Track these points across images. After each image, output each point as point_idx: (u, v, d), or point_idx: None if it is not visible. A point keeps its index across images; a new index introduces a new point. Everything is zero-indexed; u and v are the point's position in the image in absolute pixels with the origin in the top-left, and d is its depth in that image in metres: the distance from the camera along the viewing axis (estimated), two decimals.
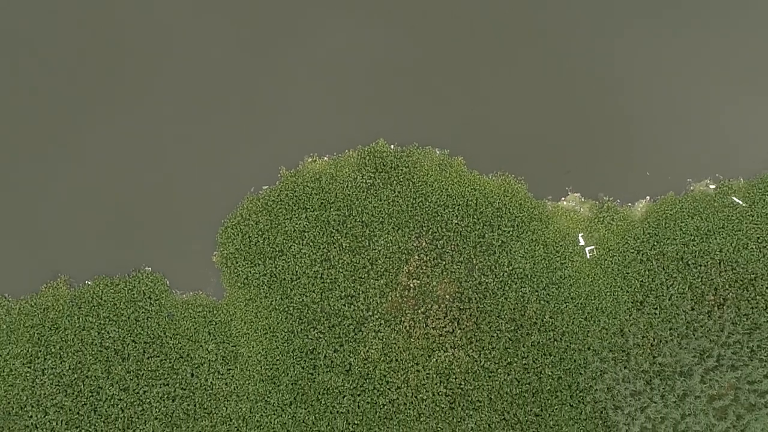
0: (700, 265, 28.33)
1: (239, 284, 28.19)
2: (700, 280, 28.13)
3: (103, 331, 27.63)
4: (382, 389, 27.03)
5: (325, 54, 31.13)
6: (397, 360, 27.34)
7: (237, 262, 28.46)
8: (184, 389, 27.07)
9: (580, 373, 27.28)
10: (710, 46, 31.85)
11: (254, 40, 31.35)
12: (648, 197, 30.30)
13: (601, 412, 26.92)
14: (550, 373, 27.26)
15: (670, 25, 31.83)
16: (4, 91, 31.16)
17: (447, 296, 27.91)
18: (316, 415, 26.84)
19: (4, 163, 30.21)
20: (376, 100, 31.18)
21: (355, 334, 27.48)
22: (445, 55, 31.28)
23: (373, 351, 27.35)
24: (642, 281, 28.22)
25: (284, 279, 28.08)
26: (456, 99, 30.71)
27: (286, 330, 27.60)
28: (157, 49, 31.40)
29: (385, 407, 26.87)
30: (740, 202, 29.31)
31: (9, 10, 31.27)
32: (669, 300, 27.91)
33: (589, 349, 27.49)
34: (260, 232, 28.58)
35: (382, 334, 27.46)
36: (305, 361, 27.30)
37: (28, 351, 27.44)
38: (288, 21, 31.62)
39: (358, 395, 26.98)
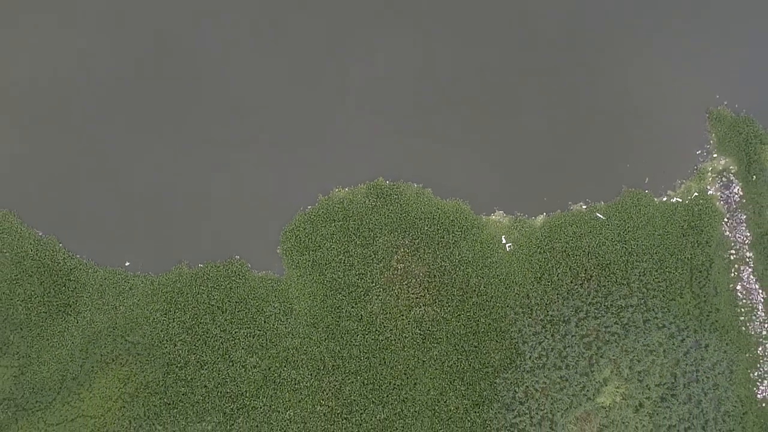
0: (576, 255, 37.06)
1: (293, 266, 36.84)
2: (575, 264, 36.91)
3: (209, 295, 36.72)
4: (380, 331, 35.98)
5: (345, 122, 38.60)
6: (390, 313, 36.05)
7: (292, 253, 36.99)
8: (259, 330, 36.00)
9: (502, 321, 36.05)
10: (576, 103, 37.34)
11: (305, 108, 38.40)
12: (545, 213, 37.23)
13: (515, 345, 35.85)
14: (483, 321, 36.15)
15: (562, 85, 37.61)
16: (143, 118, 37.17)
17: (421, 274, 36.38)
18: (341, 346, 35.93)
19: (152, 188, 37.25)
20: (377, 153, 38.04)
21: (364, 297, 36.45)
22: (420, 127, 38.29)
23: (375, 307, 36.05)
24: (540, 265, 36.71)
25: (321, 263, 36.97)
26: (428, 154, 38.26)
27: (322, 294, 36.51)
28: (249, 112, 38.05)
29: (383, 342, 35.88)
30: (601, 217, 37.16)
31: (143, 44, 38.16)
32: (557, 276, 36.64)
33: (507, 306, 36.22)
34: (306, 235, 37.13)
35: (381, 297, 36.16)
36: (334, 313, 36.35)
37: (163, 307, 36.46)
38: (324, 97, 39.04)
39: (366, 335, 35.94)
